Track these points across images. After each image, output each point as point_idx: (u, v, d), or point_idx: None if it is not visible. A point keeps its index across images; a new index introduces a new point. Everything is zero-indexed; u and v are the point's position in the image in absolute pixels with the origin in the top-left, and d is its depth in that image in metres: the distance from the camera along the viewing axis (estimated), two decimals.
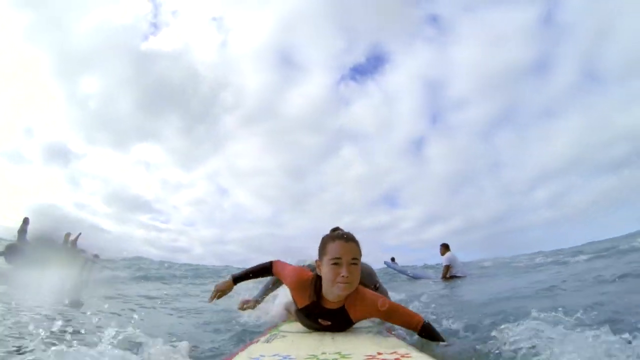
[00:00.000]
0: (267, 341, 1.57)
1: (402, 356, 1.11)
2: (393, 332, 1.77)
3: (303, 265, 2.24)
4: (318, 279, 1.64)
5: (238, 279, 2.00)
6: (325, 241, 1.59)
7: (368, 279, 2.36)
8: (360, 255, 1.57)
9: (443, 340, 1.64)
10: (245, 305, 2.69)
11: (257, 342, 1.57)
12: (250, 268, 2.00)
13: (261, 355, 1.22)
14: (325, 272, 1.55)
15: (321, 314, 1.66)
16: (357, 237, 1.63)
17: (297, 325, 2.00)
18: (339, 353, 1.19)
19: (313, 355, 1.19)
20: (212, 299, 2.02)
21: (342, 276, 1.49)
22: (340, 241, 1.54)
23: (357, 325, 1.87)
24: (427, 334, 1.62)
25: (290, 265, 1.93)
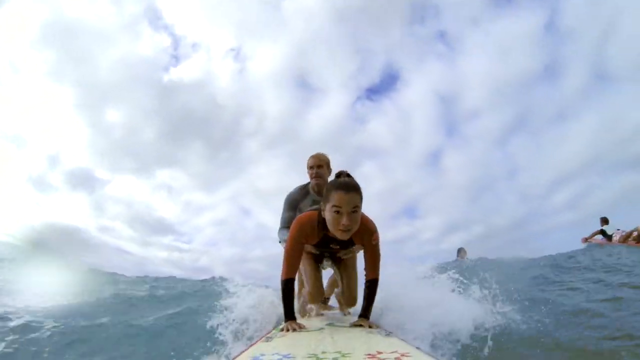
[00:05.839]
0: (267, 340, 1.57)
1: (403, 355, 1.11)
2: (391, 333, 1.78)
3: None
4: (323, 219, 1.76)
5: (291, 313, 1.83)
6: (329, 188, 1.69)
7: None
8: (361, 202, 1.67)
9: (367, 310, 1.90)
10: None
11: (257, 342, 1.57)
12: (284, 301, 1.84)
13: (261, 355, 1.22)
14: (328, 217, 1.68)
15: (330, 242, 1.93)
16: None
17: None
18: (339, 352, 1.19)
19: (313, 354, 1.19)
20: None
21: (343, 224, 1.62)
22: (341, 192, 1.62)
23: (356, 324, 1.88)
24: (369, 290, 1.91)
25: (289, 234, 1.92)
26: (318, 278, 2.31)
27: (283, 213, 2.72)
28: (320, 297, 2.38)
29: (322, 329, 1.83)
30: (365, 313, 1.91)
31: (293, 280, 1.86)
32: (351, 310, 2.55)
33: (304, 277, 2.40)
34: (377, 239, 1.89)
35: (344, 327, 1.89)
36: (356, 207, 1.63)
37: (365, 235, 1.85)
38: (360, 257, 2.16)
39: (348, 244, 2.00)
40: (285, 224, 2.68)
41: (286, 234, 2.18)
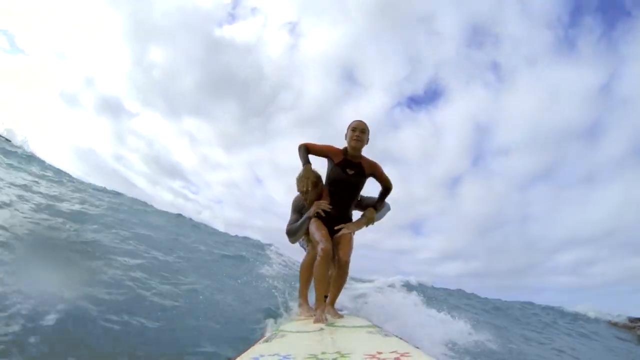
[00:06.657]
0: (267, 341, 1.57)
1: (402, 355, 1.11)
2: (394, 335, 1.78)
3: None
4: (345, 148, 2.72)
5: (307, 161, 2.65)
6: (350, 124, 2.71)
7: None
8: (368, 130, 2.67)
9: (377, 203, 2.82)
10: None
11: (256, 344, 1.57)
12: (302, 156, 2.64)
13: (261, 356, 1.22)
14: (348, 136, 2.68)
15: (348, 166, 2.69)
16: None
17: (297, 325, 2.00)
18: (338, 352, 1.19)
19: (313, 355, 1.19)
20: (306, 186, 2.58)
21: (356, 135, 2.62)
22: (357, 121, 2.69)
23: (355, 324, 1.88)
24: (382, 195, 2.83)
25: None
26: (329, 238, 2.50)
27: (290, 215, 3.05)
28: (331, 246, 2.42)
29: (321, 329, 1.83)
30: (375, 206, 2.82)
31: (307, 147, 2.67)
32: (344, 313, 2.56)
33: (316, 238, 2.48)
34: (381, 167, 2.74)
35: (344, 327, 1.89)
36: (364, 130, 2.64)
37: (372, 165, 2.73)
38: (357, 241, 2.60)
39: (360, 172, 2.67)
40: (291, 224, 2.98)
41: (291, 232, 2.84)
